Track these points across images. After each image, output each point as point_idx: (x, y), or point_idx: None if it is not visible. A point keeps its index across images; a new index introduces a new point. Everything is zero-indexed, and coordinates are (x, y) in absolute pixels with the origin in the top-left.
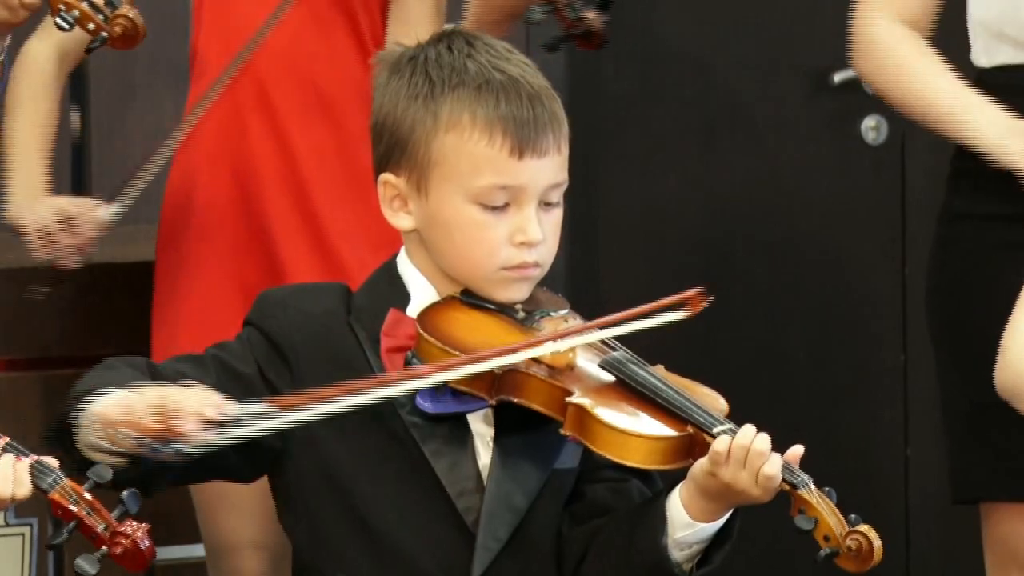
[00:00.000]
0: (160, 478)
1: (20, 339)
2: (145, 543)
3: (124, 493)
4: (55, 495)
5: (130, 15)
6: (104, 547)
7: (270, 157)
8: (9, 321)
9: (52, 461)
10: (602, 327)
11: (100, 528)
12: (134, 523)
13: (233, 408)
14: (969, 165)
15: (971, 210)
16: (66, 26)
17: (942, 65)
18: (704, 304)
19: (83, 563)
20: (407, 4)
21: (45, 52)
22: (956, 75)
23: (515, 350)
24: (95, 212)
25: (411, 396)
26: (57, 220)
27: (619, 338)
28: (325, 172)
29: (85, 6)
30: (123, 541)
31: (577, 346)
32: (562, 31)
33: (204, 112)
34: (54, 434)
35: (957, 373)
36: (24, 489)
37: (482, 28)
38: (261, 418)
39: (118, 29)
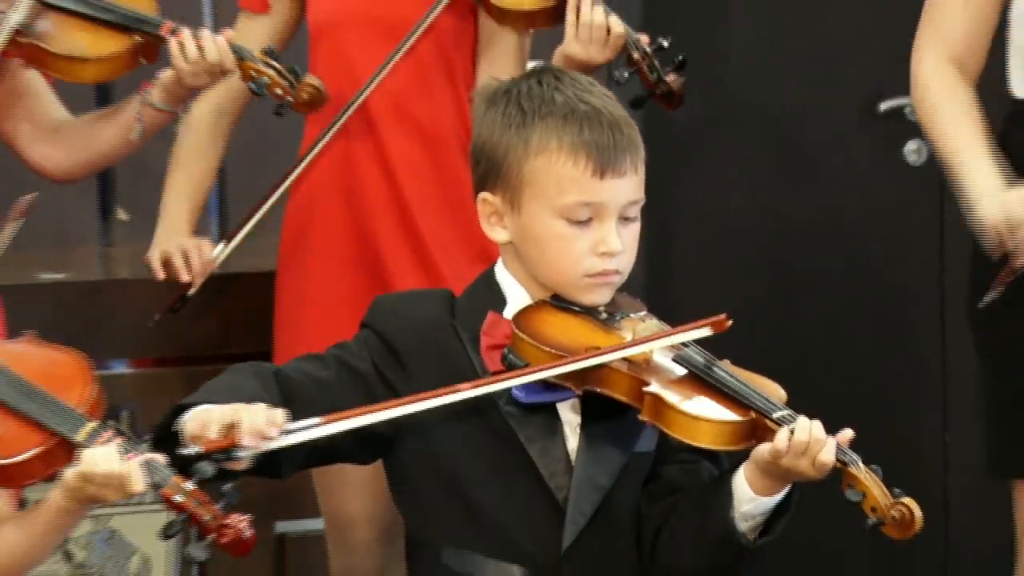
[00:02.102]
0: (289, 463)
1: (167, 341)
2: (247, 533)
3: (226, 487)
4: (166, 490)
5: (315, 83)
6: (211, 536)
7: (377, 184)
8: (157, 326)
9: (162, 459)
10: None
11: (207, 519)
12: (237, 515)
13: (288, 424)
14: None
15: None
16: (257, 90)
17: (969, 112)
18: (727, 326)
19: (193, 551)
20: (494, 51)
21: (207, 111)
22: (981, 122)
23: (618, 349)
24: (207, 252)
25: (508, 389)
26: (179, 254)
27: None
28: (425, 196)
29: (273, 73)
30: (228, 532)
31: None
32: (645, 90)
33: (320, 148)
34: (158, 437)
35: (996, 368)
36: (139, 486)
37: None
38: (309, 430)
39: (304, 96)
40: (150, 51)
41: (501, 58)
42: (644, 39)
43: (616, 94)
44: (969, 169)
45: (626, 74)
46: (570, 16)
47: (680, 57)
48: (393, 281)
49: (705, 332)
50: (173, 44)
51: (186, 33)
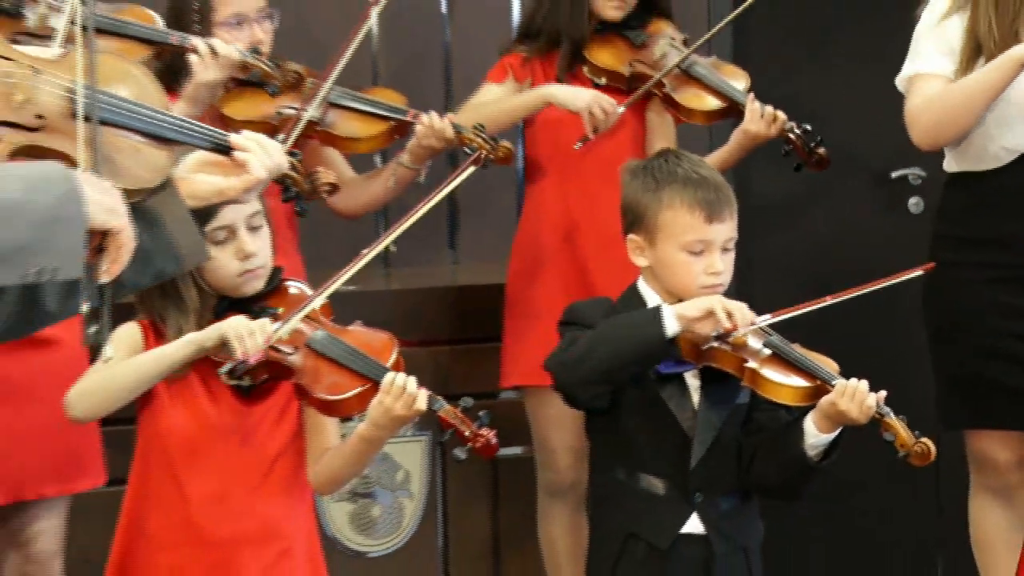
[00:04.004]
0: (606, 397)
1: (415, 329)
2: (493, 441)
3: (480, 413)
4: (442, 414)
5: (508, 145)
6: (469, 444)
7: (586, 216)
8: (408, 318)
9: (438, 396)
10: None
11: (467, 433)
12: (487, 430)
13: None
14: (943, 230)
15: (946, 258)
16: (471, 151)
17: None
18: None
19: (458, 452)
20: (664, 136)
21: None
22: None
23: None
24: (616, 108)
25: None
26: (600, 105)
27: (783, 324)
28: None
29: (480, 141)
30: (480, 441)
31: (749, 331)
32: (801, 159)
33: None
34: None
35: (943, 353)
36: (422, 403)
37: (736, 156)
38: (765, 321)
39: (500, 153)
40: (402, 130)
41: (667, 139)
42: (795, 124)
43: (782, 162)
44: (1007, 54)
45: (786, 149)
46: (748, 107)
47: (819, 137)
48: (597, 289)
49: (918, 273)
50: (417, 126)
51: (423, 116)
